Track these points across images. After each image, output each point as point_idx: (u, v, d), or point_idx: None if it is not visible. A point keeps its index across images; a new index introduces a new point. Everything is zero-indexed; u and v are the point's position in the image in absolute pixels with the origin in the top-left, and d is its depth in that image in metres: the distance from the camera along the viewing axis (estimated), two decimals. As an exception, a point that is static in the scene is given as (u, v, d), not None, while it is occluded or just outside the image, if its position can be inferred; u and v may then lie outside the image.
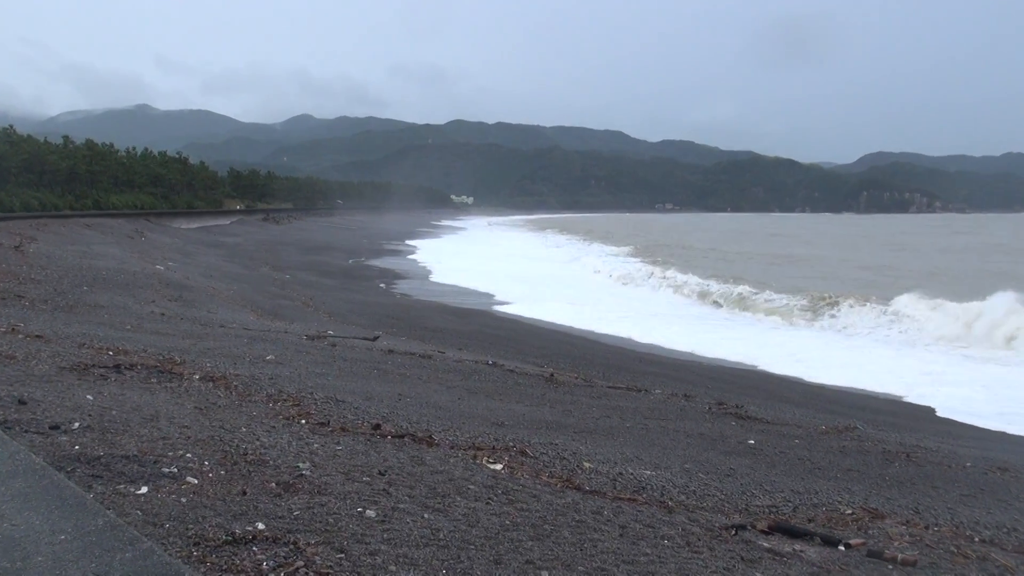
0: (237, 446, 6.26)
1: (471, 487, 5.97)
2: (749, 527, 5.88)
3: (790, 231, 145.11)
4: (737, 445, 9.52)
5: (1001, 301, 26.89)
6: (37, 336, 11.36)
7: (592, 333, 24.65)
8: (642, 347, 22.58)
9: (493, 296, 34.07)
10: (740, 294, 35.39)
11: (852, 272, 51.26)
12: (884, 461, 9.38)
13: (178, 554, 4.04)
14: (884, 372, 20.63)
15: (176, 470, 5.44)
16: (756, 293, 35.25)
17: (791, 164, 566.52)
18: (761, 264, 57.98)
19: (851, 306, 30.40)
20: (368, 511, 5.03)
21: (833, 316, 29.80)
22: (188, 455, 5.84)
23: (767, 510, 6.72)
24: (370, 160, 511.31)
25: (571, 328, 25.43)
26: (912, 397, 17.37)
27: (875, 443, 10.41)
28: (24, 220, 43.53)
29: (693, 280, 41.40)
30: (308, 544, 4.36)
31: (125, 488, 4.97)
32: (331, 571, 4.08)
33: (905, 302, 29.58)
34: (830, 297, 32.16)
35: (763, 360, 21.49)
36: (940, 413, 15.89)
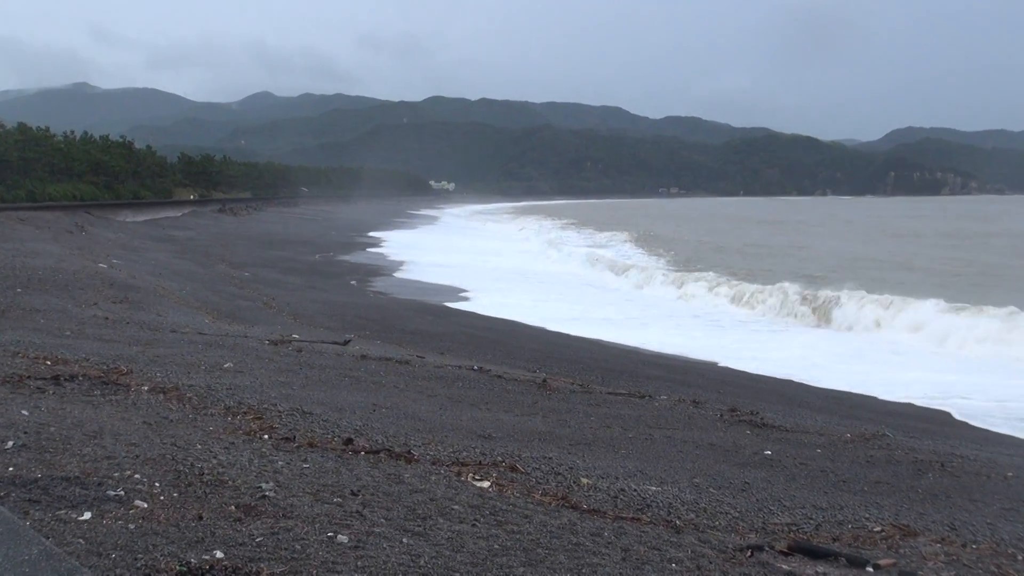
0: (192, 465, 6.24)
1: (455, 507, 5.97)
2: (767, 548, 5.89)
3: (802, 218, 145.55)
4: (752, 456, 9.55)
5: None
6: (-35, 344, 11.32)
7: (588, 333, 24.68)
8: (644, 349, 22.64)
9: (477, 294, 34.08)
10: (742, 291, 35.54)
11: (852, 267, 51.49)
12: (916, 472, 9.42)
13: (126, 587, 4.03)
14: (885, 374, 21.00)
15: (123, 493, 5.42)
16: (759, 290, 35.38)
17: (810, 142, 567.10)
18: (759, 257, 58.04)
19: (849, 303, 30.73)
20: (339, 536, 5.03)
21: (830, 315, 30.10)
22: (137, 476, 5.82)
23: (786, 528, 6.75)
24: (338, 142, 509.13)
25: (566, 328, 25.46)
26: (923, 400, 17.54)
27: (905, 452, 10.45)
28: (-51, 214, 43.31)
29: (692, 276, 41.52)
30: (272, 574, 4.36)
31: (66, 514, 4.96)
32: (299, 604, 4.08)
33: (897, 304, 29.87)
34: (821, 296, 32.42)
35: (770, 361, 21.77)
36: (957, 416, 16.08)
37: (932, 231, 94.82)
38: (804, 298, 32.40)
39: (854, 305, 30.41)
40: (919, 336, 26.29)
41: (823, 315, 30.40)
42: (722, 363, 21.31)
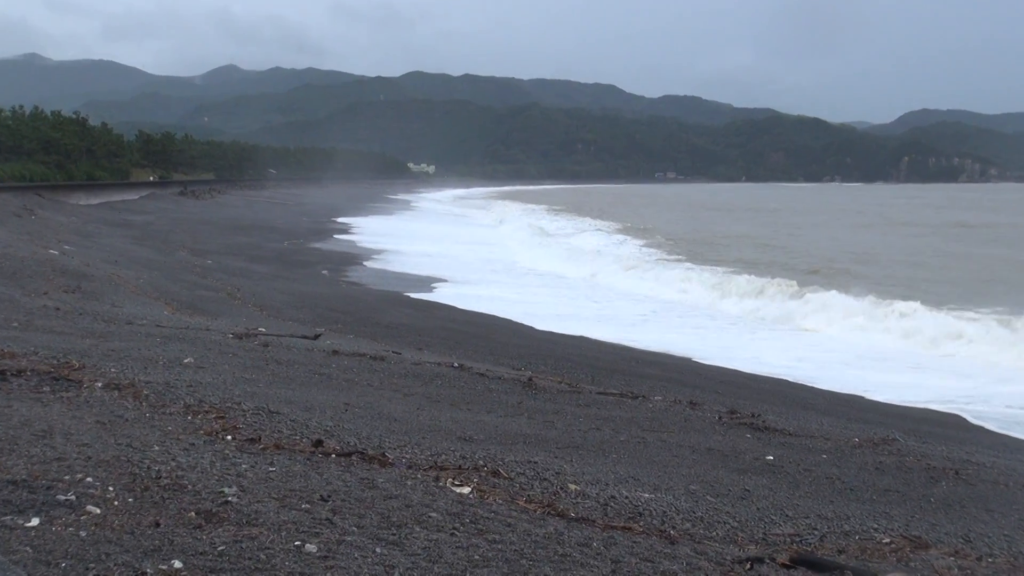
0: (148, 468, 6.22)
1: (433, 515, 5.97)
2: (767, 560, 5.91)
3: (807, 206, 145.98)
4: (753, 462, 9.58)
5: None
6: (-97, 336, 11.26)
7: (575, 328, 24.71)
8: (636, 347, 22.66)
9: (457, 286, 34.12)
10: (730, 287, 35.70)
11: (854, 262, 51.77)
12: (928, 480, 9.46)
13: (76, 599, 4.02)
14: (888, 375, 21.29)
15: (74, 498, 5.41)
16: (749, 285, 35.55)
17: (818, 124, 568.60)
18: (754, 250, 58.18)
19: (842, 301, 31.03)
20: (308, 545, 5.03)
21: (822, 313, 30.28)
22: (89, 479, 5.81)
23: (789, 539, 6.77)
24: (310, 121, 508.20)
25: (552, 323, 25.48)
26: (934, 404, 17.67)
27: (917, 458, 10.50)
28: None
29: (680, 270, 41.69)
30: (235, 585, 4.35)
31: (12, 520, 4.94)
32: (263, 618, 4.08)
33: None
34: (814, 293, 32.62)
35: (757, 361, 22.01)
36: (972, 421, 16.18)
37: (942, 222, 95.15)
38: (795, 295, 32.55)
39: (847, 304, 30.56)
40: (920, 338, 26.37)
41: (815, 313, 30.48)
42: (696, 359, 21.41)
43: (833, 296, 31.74)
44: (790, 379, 19.46)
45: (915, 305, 29.33)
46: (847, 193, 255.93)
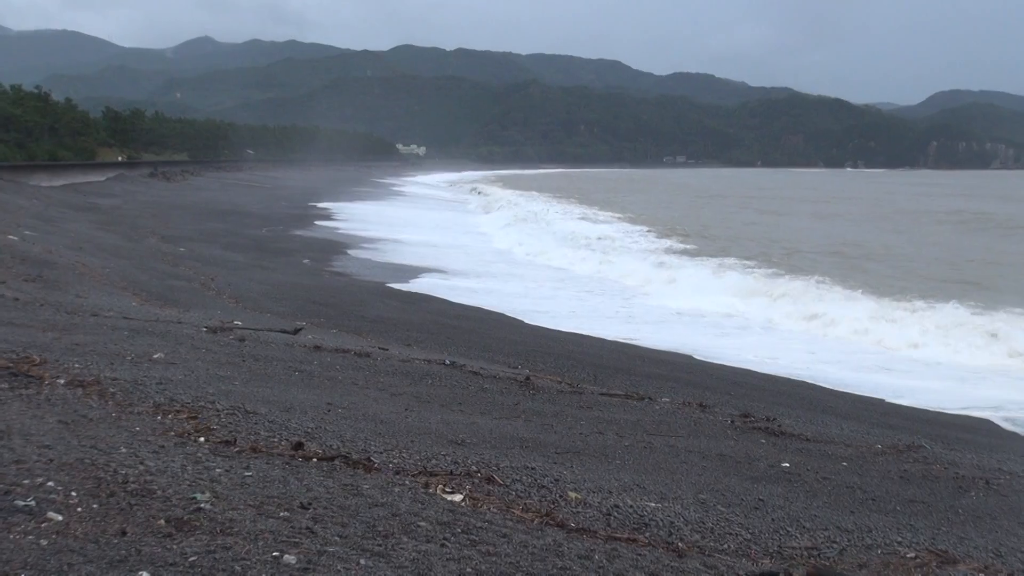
0: (115, 472, 6.21)
1: (422, 524, 5.97)
2: (783, 575, 5.91)
3: (821, 195, 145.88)
4: (768, 469, 9.58)
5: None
6: None
7: (576, 324, 24.71)
8: (642, 344, 22.66)
9: (449, 277, 34.13)
10: (734, 282, 35.87)
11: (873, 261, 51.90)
12: (957, 489, 9.47)
13: (36, 613, 4.02)
14: (905, 376, 21.45)
15: (34, 503, 5.39)
16: (754, 281, 35.70)
17: (840, 105, 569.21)
18: (764, 244, 58.31)
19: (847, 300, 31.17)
20: (287, 556, 5.02)
21: (827, 312, 30.36)
22: (50, 484, 5.79)
23: (806, 553, 6.77)
24: (290, 97, 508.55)
25: (551, 318, 25.49)
26: (964, 408, 17.68)
27: (944, 466, 10.51)
28: None
29: (695, 261, 41.82)
30: (208, 599, 4.35)
31: (-34, 527, 4.93)
32: (238, 634, 4.07)
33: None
34: (821, 291, 32.78)
35: (785, 358, 22.19)
36: (1005, 427, 16.18)
37: (973, 213, 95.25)
38: (812, 292, 32.64)
39: (870, 302, 30.61)
40: (947, 338, 26.39)
41: (835, 311, 30.50)
42: (706, 358, 21.41)
43: (855, 294, 31.81)
44: (808, 380, 19.46)
45: (944, 304, 29.37)
46: (874, 180, 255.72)
